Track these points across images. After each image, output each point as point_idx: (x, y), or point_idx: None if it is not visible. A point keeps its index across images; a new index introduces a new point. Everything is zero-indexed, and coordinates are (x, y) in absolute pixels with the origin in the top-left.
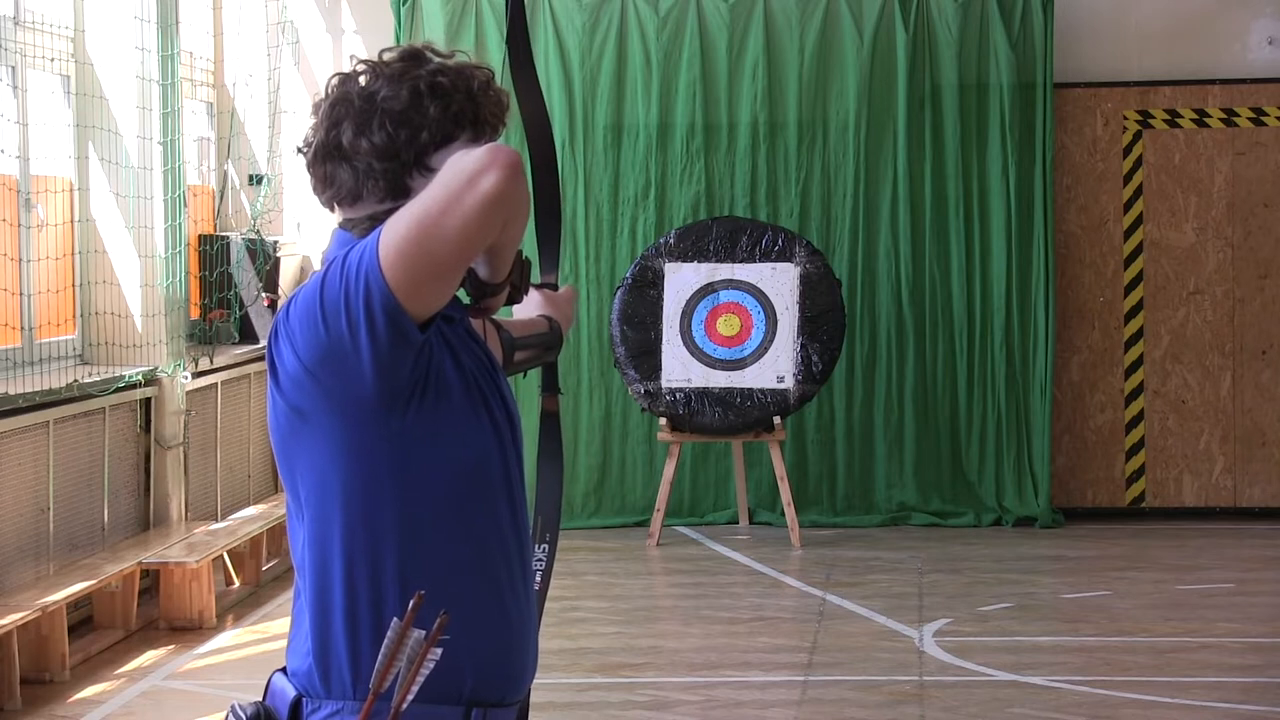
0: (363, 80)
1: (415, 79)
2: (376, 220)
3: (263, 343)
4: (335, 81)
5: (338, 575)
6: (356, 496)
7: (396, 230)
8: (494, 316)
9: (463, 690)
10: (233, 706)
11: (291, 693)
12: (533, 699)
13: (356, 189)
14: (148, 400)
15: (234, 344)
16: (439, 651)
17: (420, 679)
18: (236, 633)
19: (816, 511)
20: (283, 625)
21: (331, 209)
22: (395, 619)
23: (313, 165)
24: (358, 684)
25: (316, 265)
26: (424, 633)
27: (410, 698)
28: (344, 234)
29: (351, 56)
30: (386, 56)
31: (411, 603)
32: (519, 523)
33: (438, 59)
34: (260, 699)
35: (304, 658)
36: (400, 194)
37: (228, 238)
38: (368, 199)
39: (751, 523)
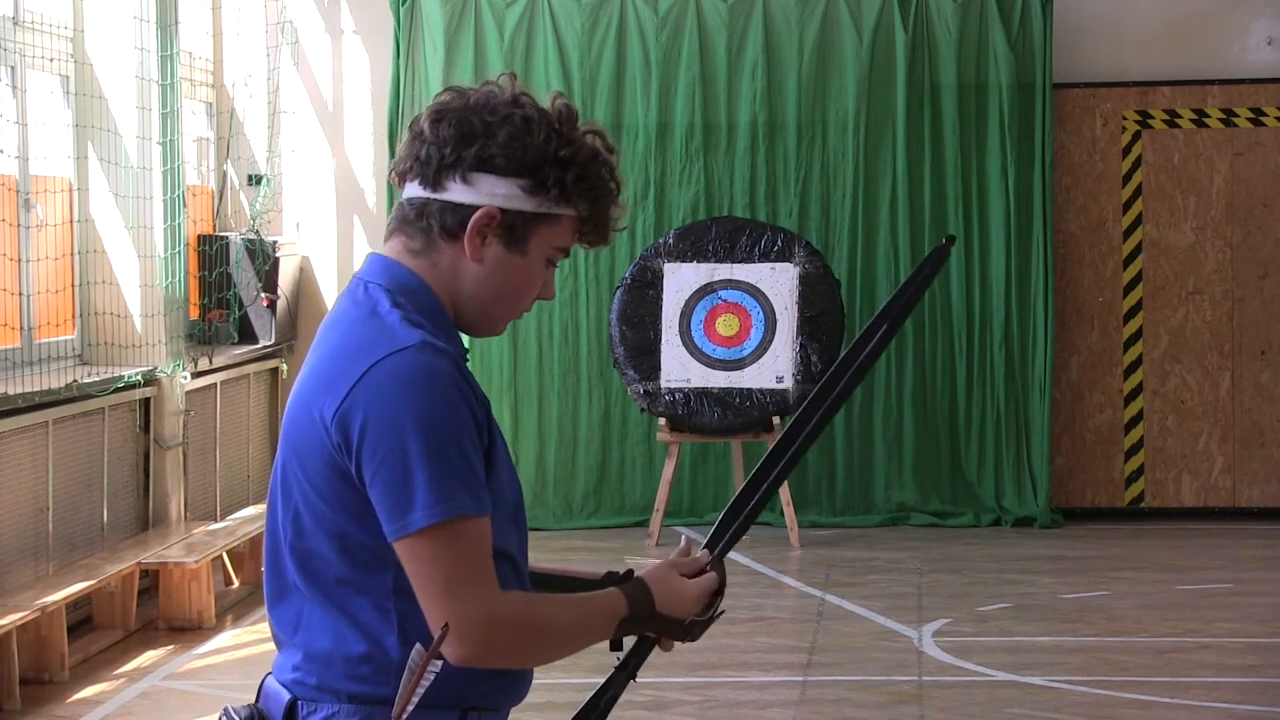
0: (495, 93)
1: (518, 108)
2: (417, 211)
3: (262, 343)
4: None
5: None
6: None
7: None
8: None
9: (461, 696)
10: (225, 710)
11: (286, 695)
12: (533, 699)
13: (403, 165)
14: (147, 400)
15: (233, 344)
16: (439, 664)
17: (420, 690)
18: (236, 633)
19: (815, 511)
20: None
21: (398, 183)
22: (419, 645)
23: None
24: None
25: (316, 266)
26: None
27: (410, 708)
28: (377, 261)
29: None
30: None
31: (437, 634)
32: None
33: (571, 120)
34: (253, 702)
35: (331, 667)
36: (436, 187)
37: (227, 238)
38: (411, 179)
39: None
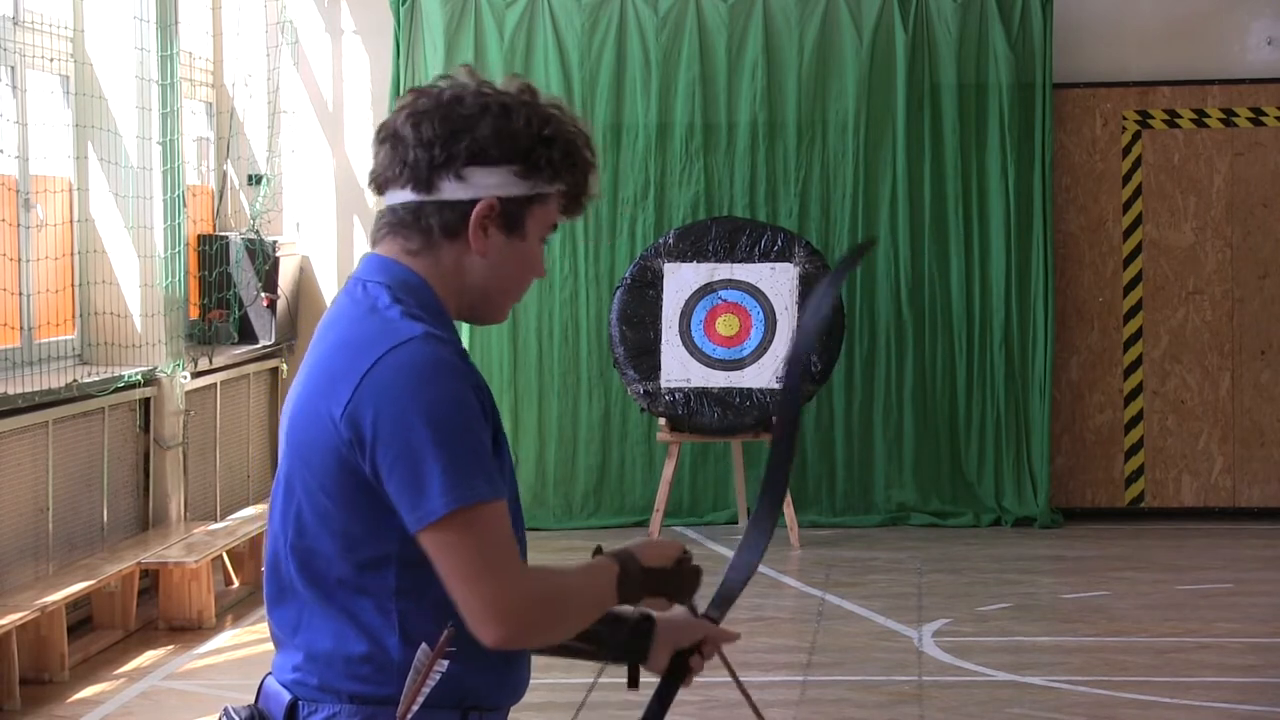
0: (462, 87)
1: (490, 96)
2: (411, 214)
3: (262, 343)
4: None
5: (375, 592)
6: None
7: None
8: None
9: (462, 695)
10: (225, 710)
11: (286, 696)
12: (533, 699)
13: (388, 172)
14: (147, 400)
15: (233, 344)
16: (445, 663)
17: (426, 689)
18: (235, 633)
19: (816, 511)
20: None
21: (378, 192)
22: (424, 645)
23: (374, 146)
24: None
25: (316, 266)
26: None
27: (415, 708)
28: (374, 260)
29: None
30: (499, 84)
31: (444, 634)
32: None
33: (537, 98)
34: (253, 702)
35: (332, 666)
36: (430, 188)
37: (227, 238)
38: (399, 185)
39: None
